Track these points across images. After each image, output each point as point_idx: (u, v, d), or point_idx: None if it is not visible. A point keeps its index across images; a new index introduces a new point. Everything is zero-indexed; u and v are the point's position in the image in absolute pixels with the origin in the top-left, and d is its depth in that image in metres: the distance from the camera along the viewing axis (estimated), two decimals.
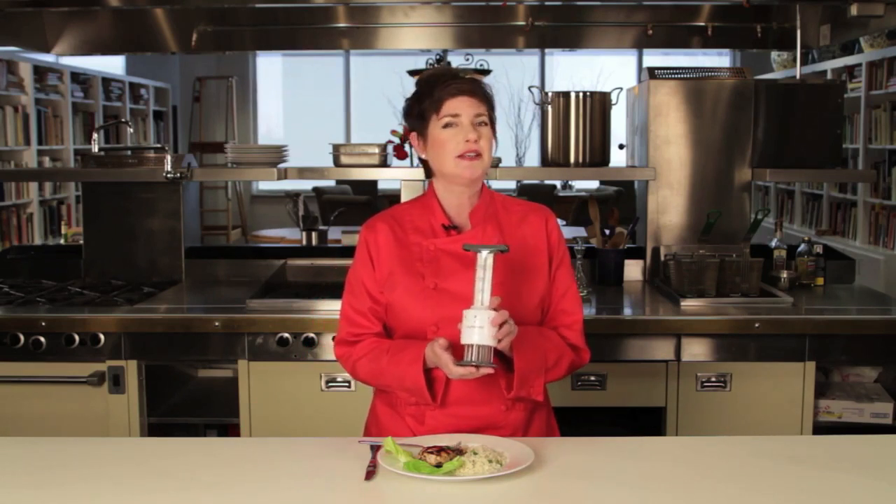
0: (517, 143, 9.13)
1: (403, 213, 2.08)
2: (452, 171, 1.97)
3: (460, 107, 1.95)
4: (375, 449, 1.81)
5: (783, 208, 8.28)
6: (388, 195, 9.36)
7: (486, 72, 6.89)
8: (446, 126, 1.96)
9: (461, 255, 1.98)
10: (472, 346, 1.80)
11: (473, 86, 1.98)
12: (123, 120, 8.22)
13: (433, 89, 1.98)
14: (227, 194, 10.15)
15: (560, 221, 2.15)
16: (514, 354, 1.90)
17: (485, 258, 1.83)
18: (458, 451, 1.75)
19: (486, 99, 2.00)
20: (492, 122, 2.01)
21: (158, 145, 3.63)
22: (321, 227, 4.64)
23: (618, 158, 3.74)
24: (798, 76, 3.56)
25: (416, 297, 1.98)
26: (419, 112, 2.00)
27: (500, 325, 1.81)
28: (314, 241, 4.58)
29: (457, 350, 1.85)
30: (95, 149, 3.58)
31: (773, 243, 3.48)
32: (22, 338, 2.89)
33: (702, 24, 3.77)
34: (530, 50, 8.67)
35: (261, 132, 10.97)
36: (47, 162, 7.27)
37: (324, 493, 1.69)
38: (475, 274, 1.83)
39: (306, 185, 9.34)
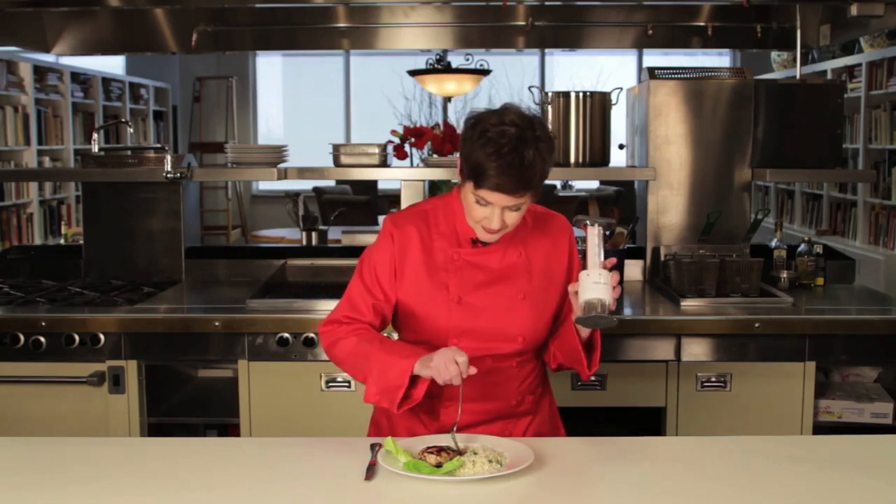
0: None
1: (429, 214, 2.04)
2: (473, 227, 1.96)
3: (496, 199, 1.85)
4: (375, 449, 1.81)
5: (783, 208, 8.28)
6: (388, 195, 9.34)
7: (487, 72, 6.86)
8: (477, 201, 1.88)
9: (486, 268, 2.00)
10: (598, 300, 1.88)
11: (518, 184, 1.82)
12: (123, 120, 8.20)
13: (486, 162, 1.81)
14: (227, 194, 10.14)
15: None
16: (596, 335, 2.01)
17: (594, 231, 1.92)
18: (458, 451, 1.75)
19: (532, 187, 1.85)
20: (535, 193, 1.88)
21: (158, 145, 3.63)
22: (321, 227, 4.64)
23: (618, 158, 3.74)
24: (798, 76, 3.56)
25: (439, 309, 1.97)
26: (462, 155, 1.89)
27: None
28: (314, 241, 4.58)
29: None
30: (95, 149, 3.57)
31: (773, 243, 3.48)
32: (22, 338, 2.89)
33: (702, 24, 3.77)
34: (530, 50, 8.67)
35: (261, 132, 10.96)
36: (47, 162, 7.26)
37: (324, 493, 1.69)
38: (587, 242, 1.90)
39: (306, 185, 9.33)
